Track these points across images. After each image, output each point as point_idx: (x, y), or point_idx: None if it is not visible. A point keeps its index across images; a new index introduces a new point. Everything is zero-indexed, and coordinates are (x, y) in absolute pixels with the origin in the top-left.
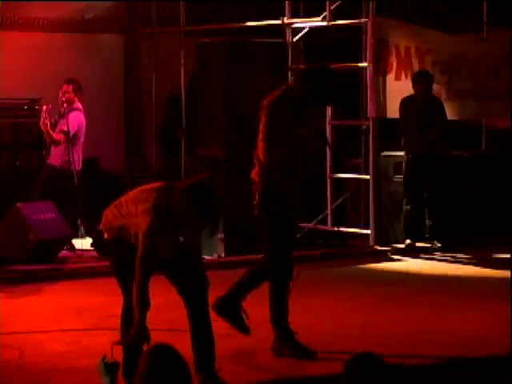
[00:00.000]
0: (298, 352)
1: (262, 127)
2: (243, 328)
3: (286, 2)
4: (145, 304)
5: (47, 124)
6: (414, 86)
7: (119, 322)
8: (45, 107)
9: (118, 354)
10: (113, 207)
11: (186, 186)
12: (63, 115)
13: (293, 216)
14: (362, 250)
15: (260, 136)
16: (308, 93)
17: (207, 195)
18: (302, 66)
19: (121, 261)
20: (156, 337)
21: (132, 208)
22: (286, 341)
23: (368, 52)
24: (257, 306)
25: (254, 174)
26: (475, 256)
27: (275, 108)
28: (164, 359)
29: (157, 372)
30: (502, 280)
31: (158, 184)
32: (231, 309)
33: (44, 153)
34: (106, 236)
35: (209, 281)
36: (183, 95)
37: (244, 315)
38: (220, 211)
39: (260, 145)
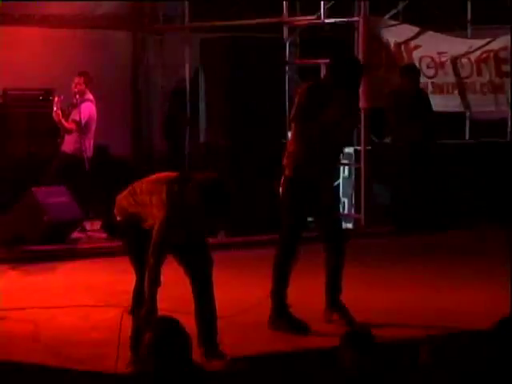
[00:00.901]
0: (293, 326)
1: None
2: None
3: (284, 1)
4: (156, 284)
5: (59, 114)
6: (402, 80)
7: (127, 297)
8: (56, 98)
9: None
10: (128, 194)
11: (200, 182)
12: (75, 105)
13: (315, 201)
14: (354, 232)
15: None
16: (340, 82)
17: (221, 198)
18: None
19: (133, 242)
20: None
21: (146, 198)
22: (280, 315)
23: (360, 48)
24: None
25: (284, 158)
26: (466, 235)
27: (301, 94)
28: (167, 330)
29: (160, 341)
30: (493, 257)
31: (171, 175)
32: (282, 315)
33: (58, 140)
34: (118, 219)
35: (212, 261)
36: (188, 87)
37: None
38: (229, 212)
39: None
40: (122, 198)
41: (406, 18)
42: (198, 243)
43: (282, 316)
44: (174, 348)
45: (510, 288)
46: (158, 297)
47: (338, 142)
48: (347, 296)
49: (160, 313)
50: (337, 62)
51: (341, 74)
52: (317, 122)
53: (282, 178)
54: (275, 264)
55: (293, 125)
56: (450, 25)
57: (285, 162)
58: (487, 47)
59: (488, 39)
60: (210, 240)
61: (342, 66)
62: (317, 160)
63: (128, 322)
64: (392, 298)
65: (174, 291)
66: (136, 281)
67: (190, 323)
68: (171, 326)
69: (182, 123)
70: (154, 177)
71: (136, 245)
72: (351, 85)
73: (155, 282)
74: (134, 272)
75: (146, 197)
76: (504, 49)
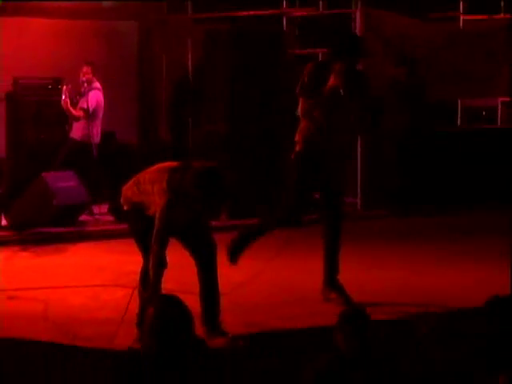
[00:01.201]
0: None
1: None
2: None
3: None
4: (161, 266)
5: (67, 102)
6: (397, 69)
7: (134, 278)
8: (65, 87)
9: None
10: (132, 184)
11: (197, 170)
12: (83, 94)
13: (323, 180)
14: (351, 215)
15: None
16: (337, 53)
17: (215, 185)
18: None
19: (139, 228)
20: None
21: (149, 187)
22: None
23: None
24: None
25: (296, 134)
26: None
27: (306, 71)
28: (168, 307)
29: (161, 318)
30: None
31: (171, 164)
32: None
33: (66, 127)
34: (125, 208)
35: (215, 244)
36: (191, 76)
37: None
38: (227, 199)
39: None
40: (127, 189)
41: (401, 10)
42: (200, 228)
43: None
44: (174, 324)
45: (511, 269)
46: (165, 278)
47: (343, 117)
48: (344, 276)
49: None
50: (335, 36)
51: (337, 45)
52: (319, 96)
53: (293, 153)
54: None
55: (300, 101)
56: (444, 16)
57: (296, 137)
58: (480, 36)
59: (480, 30)
60: (213, 223)
61: (339, 38)
62: (323, 136)
63: (136, 302)
64: (388, 277)
65: (180, 273)
66: (143, 262)
67: (194, 303)
68: (172, 303)
69: (184, 114)
70: (156, 167)
71: (141, 230)
72: (348, 55)
73: (160, 266)
74: (140, 253)
75: (148, 186)
76: (492, 37)
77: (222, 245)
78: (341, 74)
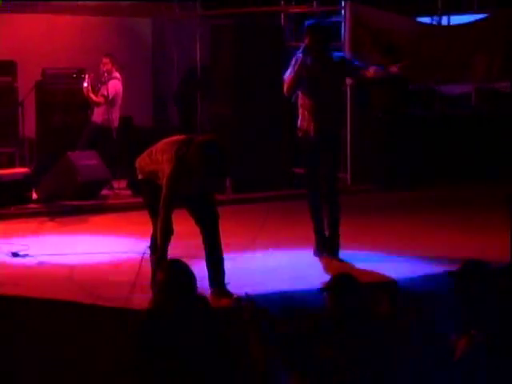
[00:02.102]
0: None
1: None
2: None
3: None
4: (168, 233)
5: (89, 90)
6: (382, 59)
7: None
8: (86, 76)
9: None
10: (145, 155)
11: (200, 141)
12: (104, 82)
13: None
14: (342, 189)
15: None
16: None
17: (215, 154)
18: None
19: (149, 197)
20: None
21: (159, 157)
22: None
23: (346, 32)
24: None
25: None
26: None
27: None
28: (175, 269)
29: (169, 278)
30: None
31: (180, 137)
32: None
33: (89, 112)
34: (139, 177)
35: (218, 214)
36: (199, 66)
37: None
38: (227, 169)
39: None
40: (141, 159)
41: (386, 4)
42: (205, 199)
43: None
44: (179, 283)
45: (510, 237)
46: (175, 245)
47: (327, 98)
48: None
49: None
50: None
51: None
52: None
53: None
54: (309, 205)
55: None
56: (424, 11)
57: (298, 123)
58: (456, 29)
59: (455, 24)
60: (219, 197)
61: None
62: (317, 117)
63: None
64: (375, 244)
65: (188, 241)
66: (152, 229)
67: (202, 267)
68: (178, 265)
69: (192, 100)
70: (166, 139)
71: (151, 199)
72: (316, 42)
73: (167, 232)
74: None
75: (159, 155)
76: (469, 29)
77: (226, 216)
78: (318, 60)
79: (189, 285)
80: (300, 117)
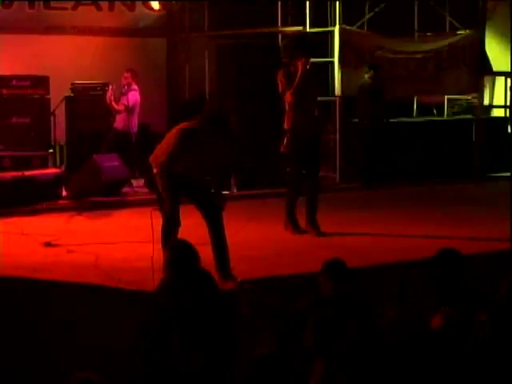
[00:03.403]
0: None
1: None
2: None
3: (279, 14)
4: (175, 224)
5: (111, 100)
6: (366, 74)
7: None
8: (110, 87)
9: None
10: (155, 149)
11: (207, 111)
12: (124, 93)
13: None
14: (331, 187)
15: None
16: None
17: (222, 119)
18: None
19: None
20: None
21: (169, 135)
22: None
23: (335, 50)
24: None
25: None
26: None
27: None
28: (181, 248)
29: (175, 256)
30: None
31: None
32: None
33: (111, 120)
34: (154, 170)
35: (222, 207)
36: (207, 80)
37: None
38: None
39: None
40: (155, 150)
41: (370, 26)
42: (209, 193)
43: (291, 222)
44: (184, 258)
45: (510, 226)
46: (186, 235)
47: (312, 98)
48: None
49: None
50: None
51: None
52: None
53: (285, 139)
54: (287, 197)
55: (284, 99)
56: (402, 32)
57: (285, 126)
58: (430, 48)
59: (430, 43)
60: (224, 193)
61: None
62: (304, 118)
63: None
64: (362, 235)
65: (197, 231)
66: (162, 221)
67: (209, 254)
68: (183, 245)
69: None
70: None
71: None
72: (295, 54)
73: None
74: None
75: (168, 134)
76: (441, 48)
77: (232, 212)
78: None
79: (192, 258)
80: (289, 119)
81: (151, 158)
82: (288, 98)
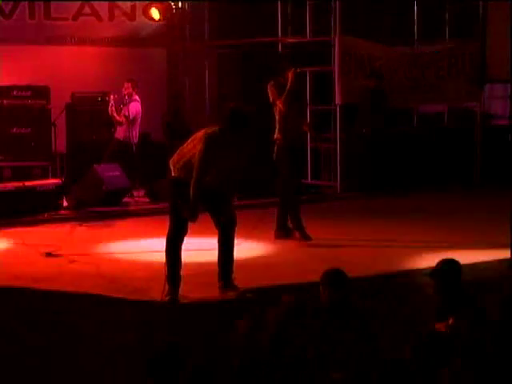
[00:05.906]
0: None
1: None
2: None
3: (279, 23)
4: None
5: (113, 110)
6: (366, 80)
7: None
8: (111, 97)
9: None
10: (177, 152)
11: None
12: (125, 104)
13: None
14: (332, 196)
15: None
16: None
17: (244, 116)
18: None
19: (176, 197)
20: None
21: (189, 145)
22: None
23: (336, 59)
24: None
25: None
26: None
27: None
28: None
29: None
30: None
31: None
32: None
33: (112, 130)
34: (172, 174)
35: (235, 220)
36: (207, 90)
37: None
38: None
39: None
40: (175, 155)
41: (370, 36)
42: (226, 204)
43: (282, 229)
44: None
45: (510, 235)
46: (190, 246)
47: (299, 111)
48: (326, 242)
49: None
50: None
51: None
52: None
53: (278, 149)
54: (280, 205)
55: (276, 109)
56: (402, 41)
57: (276, 136)
58: (430, 56)
59: (429, 52)
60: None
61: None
62: (293, 128)
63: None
64: (362, 244)
65: (200, 240)
66: (168, 232)
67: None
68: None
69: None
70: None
71: (176, 199)
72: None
73: (199, 189)
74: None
75: (189, 144)
76: (441, 57)
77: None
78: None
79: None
80: (281, 128)
81: (171, 162)
82: (280, 105)
